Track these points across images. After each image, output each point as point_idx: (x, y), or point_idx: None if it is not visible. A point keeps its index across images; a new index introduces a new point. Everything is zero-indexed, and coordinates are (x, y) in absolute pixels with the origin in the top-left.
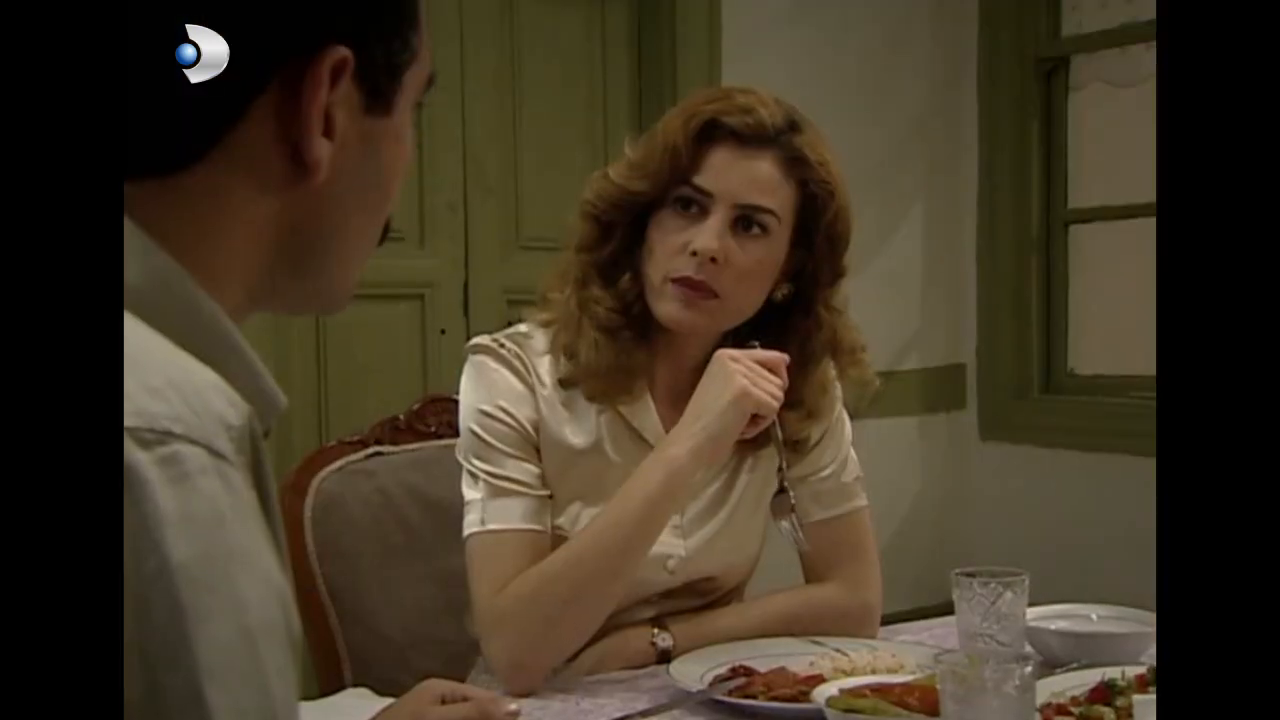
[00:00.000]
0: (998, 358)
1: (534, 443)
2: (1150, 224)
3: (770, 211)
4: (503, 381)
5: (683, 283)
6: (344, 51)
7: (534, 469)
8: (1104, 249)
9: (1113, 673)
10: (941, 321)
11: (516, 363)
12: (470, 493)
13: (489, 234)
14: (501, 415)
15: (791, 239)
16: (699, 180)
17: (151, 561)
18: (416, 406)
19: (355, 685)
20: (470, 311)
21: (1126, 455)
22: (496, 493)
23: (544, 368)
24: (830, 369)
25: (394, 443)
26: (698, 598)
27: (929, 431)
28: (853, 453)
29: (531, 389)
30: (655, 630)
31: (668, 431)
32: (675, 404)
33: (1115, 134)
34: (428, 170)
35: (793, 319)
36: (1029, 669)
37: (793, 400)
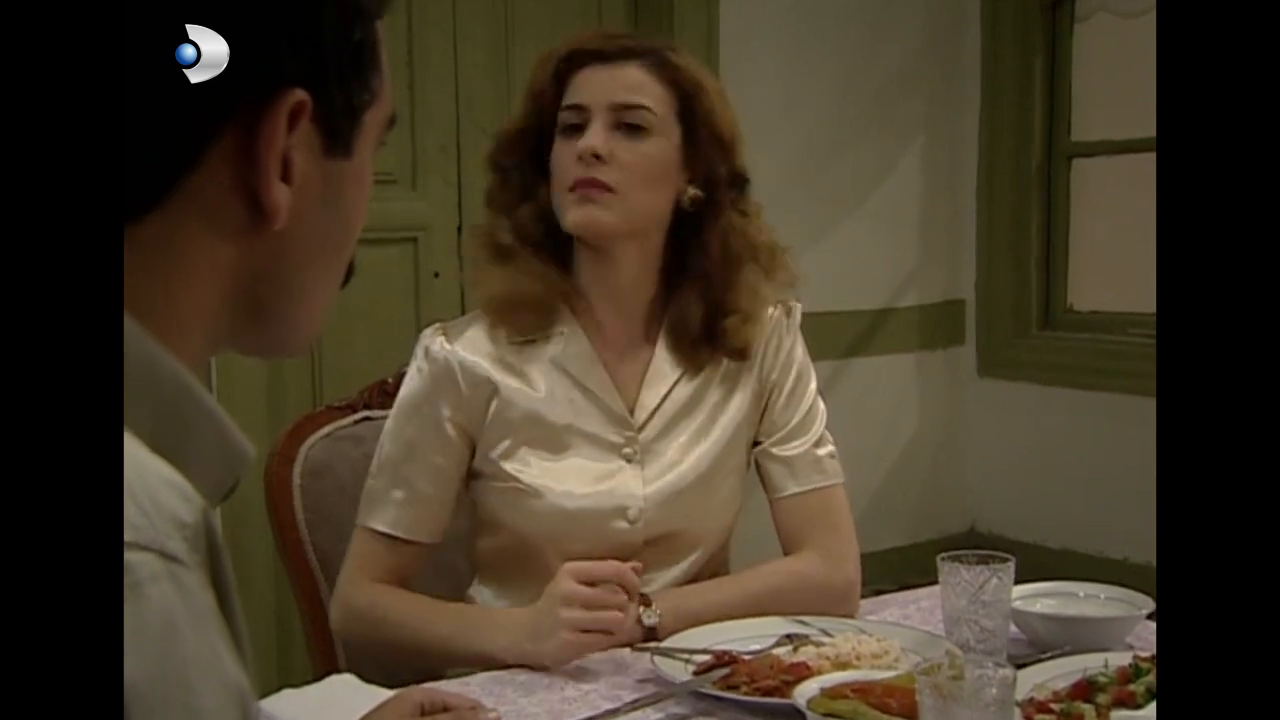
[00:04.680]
0: (997, 293)
1: (461, 437)
2: (1154, 158)
3: (645, 107)
4: (431, 380)
5: (577, 185)
6: (301, 95)
7: (439, 471)
8: (1107, 183)
9: (1095, 667)
10: (941, 257)
11: (452, 358)
12: (370, 480)
13: (482, 175)
14: (425, 415)
15: (681, 140)
16: (570, 100)
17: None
18: (405, 369)
19: (345, 651)
20: (464, 254)
21: (1124, 393)
22: (381, 496)
23: (493, 341)
24: (759, 276)
25: (383, 407)
26: (672, 557)
27: (927, 368)
28: (827, 431)
29: (466, 379)
30: (642, 608)
31: (615, 381)
32: (623, 351)
33: (1121, 66)
34: (419, 111)
35: (707, 223)
36: (1008, 676)
37: (727, 307)
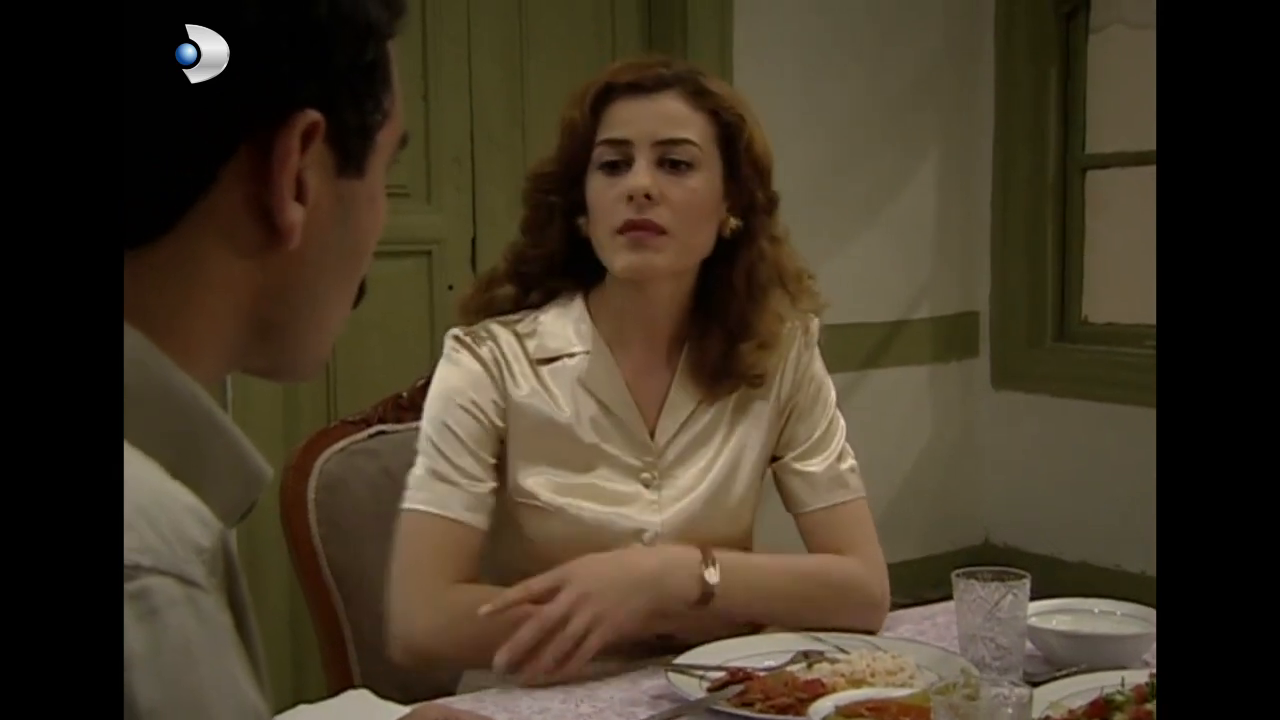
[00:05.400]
0: (1011, 305)
1: (496, 435)
2: None
3: (689, 141)
4: (472, 374)
5: (627, 229)
6: (314, 115)
7: (485, 463)
8: (1122, 195)
9: (1111, 685)
10: (955, 268)
11: (488, 356)
12: (420, 469)
13: (496, 188)
14: (469, 406)
15: (722, 171)
16: (609, 134)
17: None
18: (420, 383)
19: (361, 663)
20: (478, 267)
21: (1139, 405)
22: (443, 478)
23: (521, 352)
24: (783, 302)
25: (398, 420)
26: None
27: (940, 380)
28: (847, 445)
29: (500, 380)
30: (705, 566)
31: (638, 405)
32: (643, 374)
33: (1136, 77)
34: (434, 124)
35: (738, 251)
36: (1023, 695)
37: (746, 331)
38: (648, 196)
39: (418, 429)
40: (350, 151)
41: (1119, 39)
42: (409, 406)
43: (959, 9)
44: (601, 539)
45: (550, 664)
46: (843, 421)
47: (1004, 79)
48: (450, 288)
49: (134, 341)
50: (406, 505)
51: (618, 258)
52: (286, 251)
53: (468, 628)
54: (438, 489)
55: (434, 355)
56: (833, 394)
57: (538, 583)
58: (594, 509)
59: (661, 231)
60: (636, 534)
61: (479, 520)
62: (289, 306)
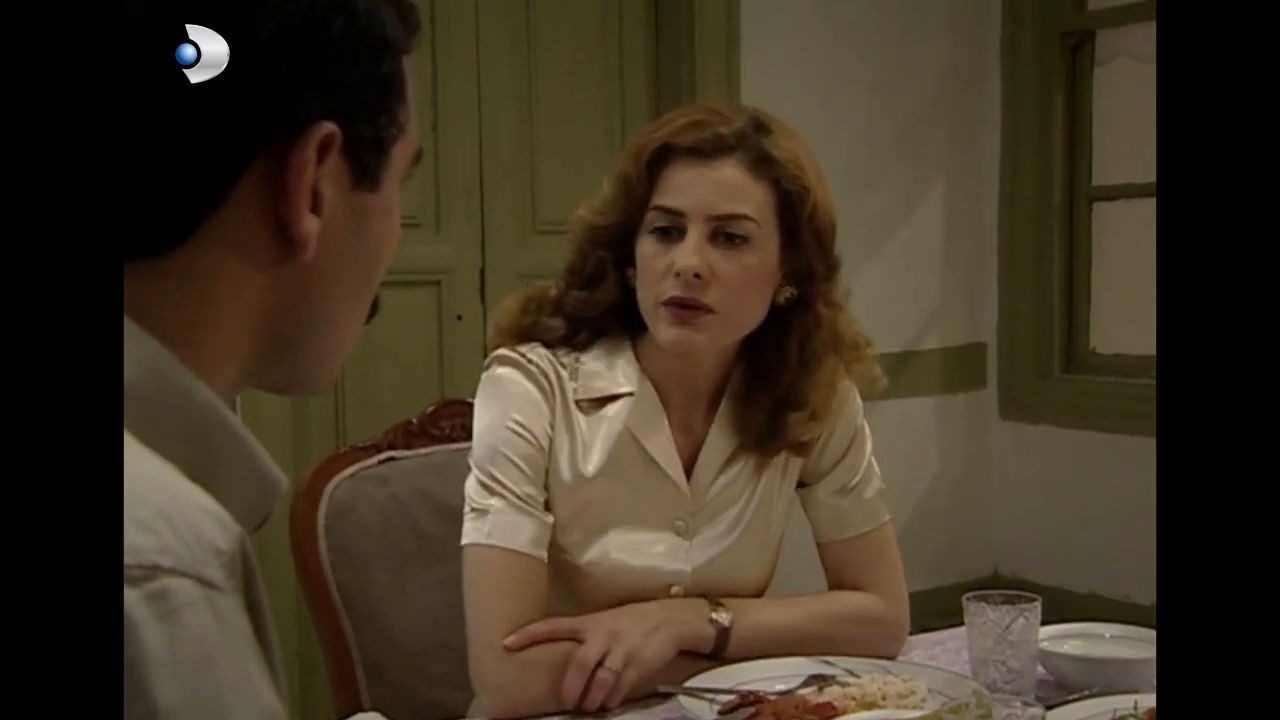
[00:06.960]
0: (1019, 336)
1: (544, 464)
2: None
3: (746, 217)
4: (524, 397)
5: (673, 304)
6: (330, 127)
7: (542, 493)
8: (1128, 226)
9: (1124, 707)
10: (962, 299)
11: (542, 379)
12: (482, 501)
13: (505, 218)
14: (524, 432)
15: (780, 241)
16: (664, 201)
17: (138, 707)
18: (430, 410)
19: (370, 689)
20: (487, 296)
21: (1147, 436)
22: (512, 509)
23: (568, 388)
24: (838, 370)
25: (408, 446)
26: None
27: (948, 411)
28: (875, 466)
29: (551, 407)
30: (713, 610)
31: (681, 457)
32: (688, 429)
33: (1141, 109)
34: (443, 154)
35: (793, 318)
36: (1036, 716)
37: (796, 401)
38: (697, 275)
39: (427, 455)
40: (365, 164)
41: (1124, 72)
42: (419, 433)
43: (965, 40)
44: (633, 589)
45: (598, 702)
46: (869, 442)
47: (1010, 110)
48: (459, 317)
49: (152, 350)
50: (475, 540)
51: (661, 330)
52: (301, 264)
53: (548, 679)
54: (505, 521)
55: (443, 383)
56: (859, 413)
57: (561, 622)
58: (625, 560)
59: (708, 310)
60: (667, 585)
61: (544, 551)
62: (303, 320)
